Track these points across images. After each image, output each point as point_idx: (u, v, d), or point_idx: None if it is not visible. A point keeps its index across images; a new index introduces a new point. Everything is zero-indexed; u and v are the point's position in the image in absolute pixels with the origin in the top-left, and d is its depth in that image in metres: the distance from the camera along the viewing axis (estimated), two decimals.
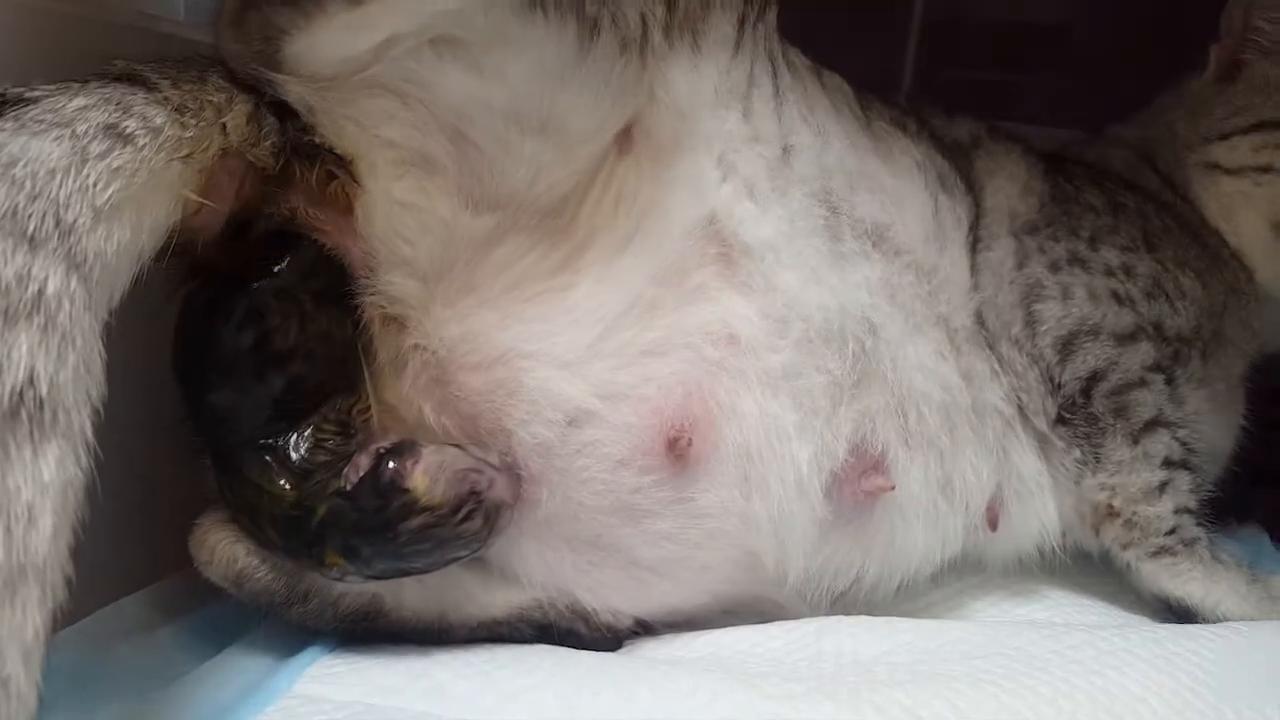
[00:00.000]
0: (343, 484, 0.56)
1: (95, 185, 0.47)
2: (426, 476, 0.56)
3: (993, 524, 0.74)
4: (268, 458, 0.56)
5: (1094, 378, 0.75)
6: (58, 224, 0.45)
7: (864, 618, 0.67)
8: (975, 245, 0.79)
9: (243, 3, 0.55)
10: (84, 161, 0.47)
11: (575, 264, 0.62)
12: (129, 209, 0.48)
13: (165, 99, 0.52)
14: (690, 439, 0.62)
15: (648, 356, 0.62)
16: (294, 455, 0.57)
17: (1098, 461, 0.75)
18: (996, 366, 0.76)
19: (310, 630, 0.62)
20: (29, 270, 0.43)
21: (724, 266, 0.65)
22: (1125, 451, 0.74)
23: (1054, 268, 0.78)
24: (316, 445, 0.57)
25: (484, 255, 0.61)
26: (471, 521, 0.57)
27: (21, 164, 0.45)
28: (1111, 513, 0.74)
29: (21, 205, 0.44)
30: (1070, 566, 0.77)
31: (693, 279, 0.64)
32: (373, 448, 0.57)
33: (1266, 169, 0.82)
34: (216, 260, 0.56)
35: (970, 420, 0.73)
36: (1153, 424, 0.75)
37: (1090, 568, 0.78)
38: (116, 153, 0.48)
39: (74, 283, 0.44)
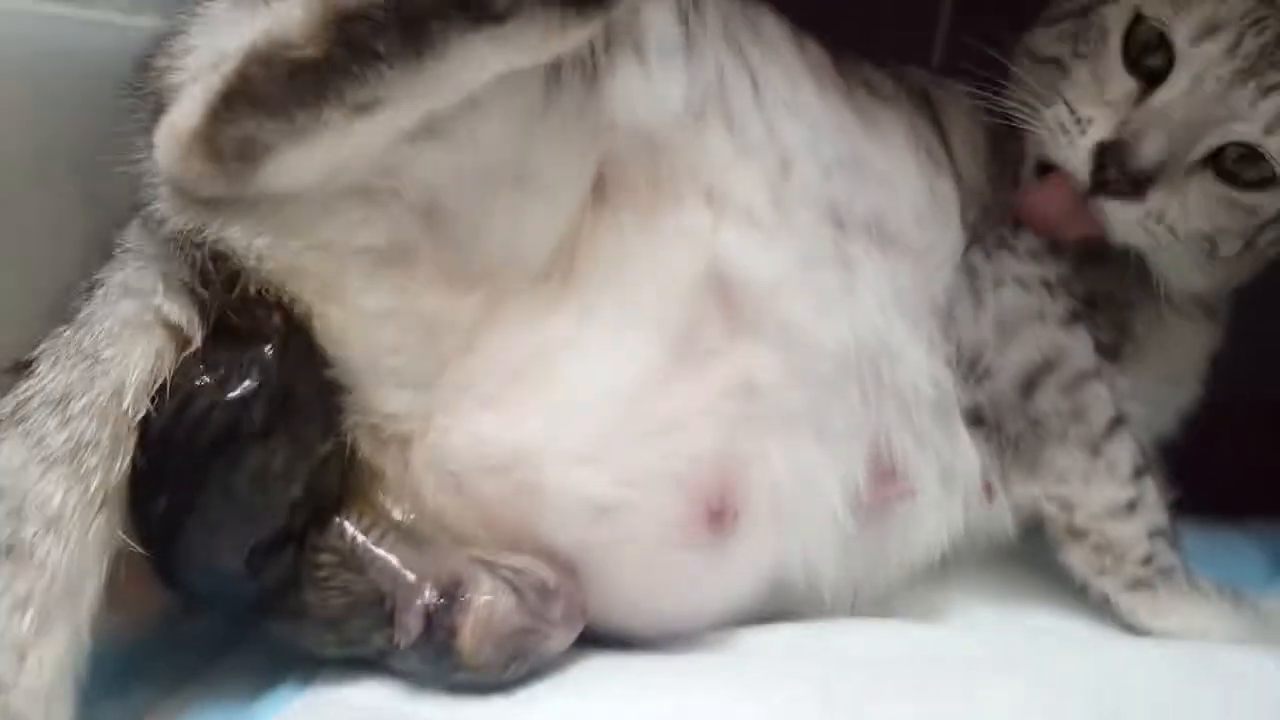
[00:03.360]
0: (395, 643, 0.54)
1: (9, 630, 0.44)
2: (474, 638, 0.53)
3: (990, 494, 0.73)
4: (290, 619, 0.55)
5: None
6: None
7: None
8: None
9: (213, 116, 0.48)
10: None
11: (575, 341, 0.58)
12: (59, 612, 0.45)
13: (59, 458, 0.47)
14: (735, 510, 0.59)
15: (669, 430, 0.58)
16: (312, 603, 0.55)
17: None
18: None
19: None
20: None
21: (733, 313, 0.61)
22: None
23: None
24: (326, 588, 0.55)
25: (476, 344, 0.57)
26: (517, 673, 0.55)
27: None
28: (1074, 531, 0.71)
29: None
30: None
31: (705, 337, 0.60)
32: (418, 604, 0.54)
33: None
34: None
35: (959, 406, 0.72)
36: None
37: None
38: (21, 578, 0.45)
39: None
